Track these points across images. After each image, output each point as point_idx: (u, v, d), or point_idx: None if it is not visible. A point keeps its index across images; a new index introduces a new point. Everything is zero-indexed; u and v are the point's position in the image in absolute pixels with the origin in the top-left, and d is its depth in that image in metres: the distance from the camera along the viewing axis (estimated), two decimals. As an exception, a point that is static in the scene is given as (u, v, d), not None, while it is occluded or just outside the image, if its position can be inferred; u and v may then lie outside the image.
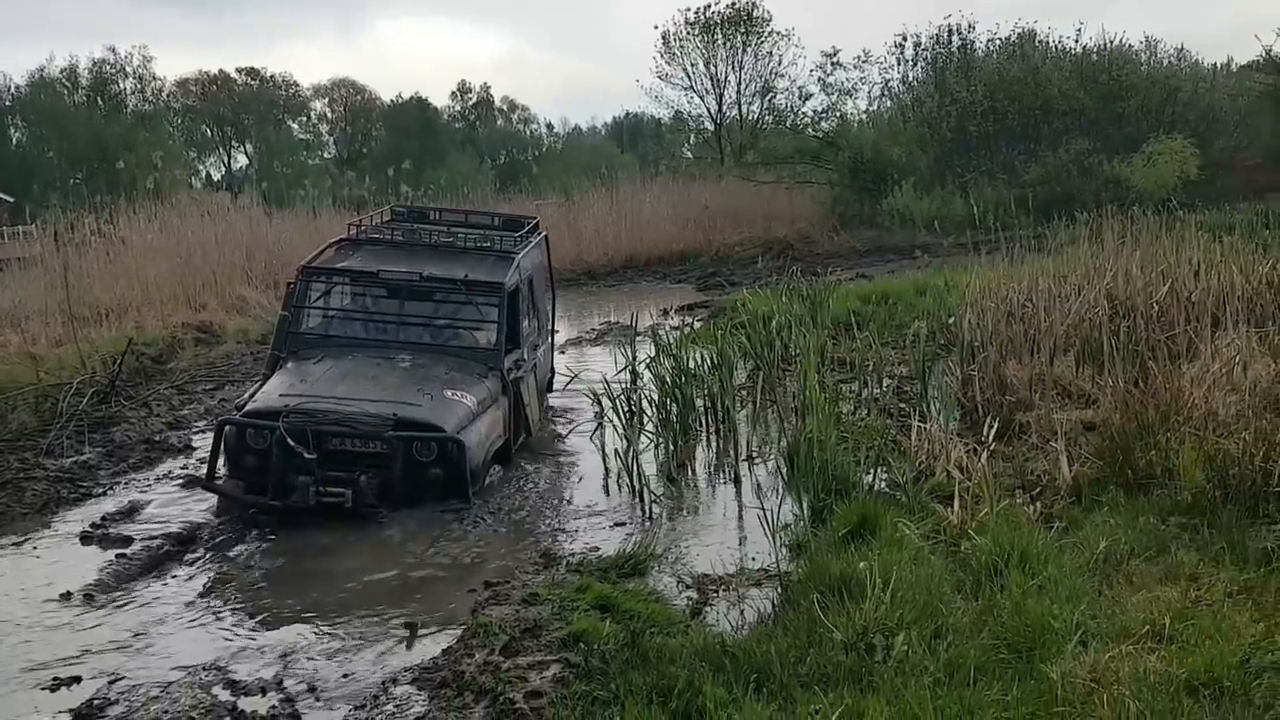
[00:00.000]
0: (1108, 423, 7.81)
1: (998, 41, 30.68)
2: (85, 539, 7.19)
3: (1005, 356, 9.56)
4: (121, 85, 68.33)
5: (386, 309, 8.76)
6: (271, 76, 74.95)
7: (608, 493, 8.09)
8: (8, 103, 65.65)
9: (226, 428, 7.50)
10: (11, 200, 51.39)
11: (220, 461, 7.54)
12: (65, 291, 14.08)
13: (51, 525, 7.60)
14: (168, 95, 71.22)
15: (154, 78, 69.54)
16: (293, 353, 8.31)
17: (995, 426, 8.03)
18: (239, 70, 73.86)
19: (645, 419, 9.45)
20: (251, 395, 8.12)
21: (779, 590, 5.81)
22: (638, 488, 7.85)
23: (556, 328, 11.74)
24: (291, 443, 7.07)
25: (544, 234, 10.77)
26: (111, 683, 5.04)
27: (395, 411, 7.37)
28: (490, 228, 10.35)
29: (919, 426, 8.20)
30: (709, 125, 41.39)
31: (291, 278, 8.89)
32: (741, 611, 5.62)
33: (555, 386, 11.03)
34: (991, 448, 7.62)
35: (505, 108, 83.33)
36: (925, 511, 6.60)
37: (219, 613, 5.92)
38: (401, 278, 8.61)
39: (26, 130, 65.19)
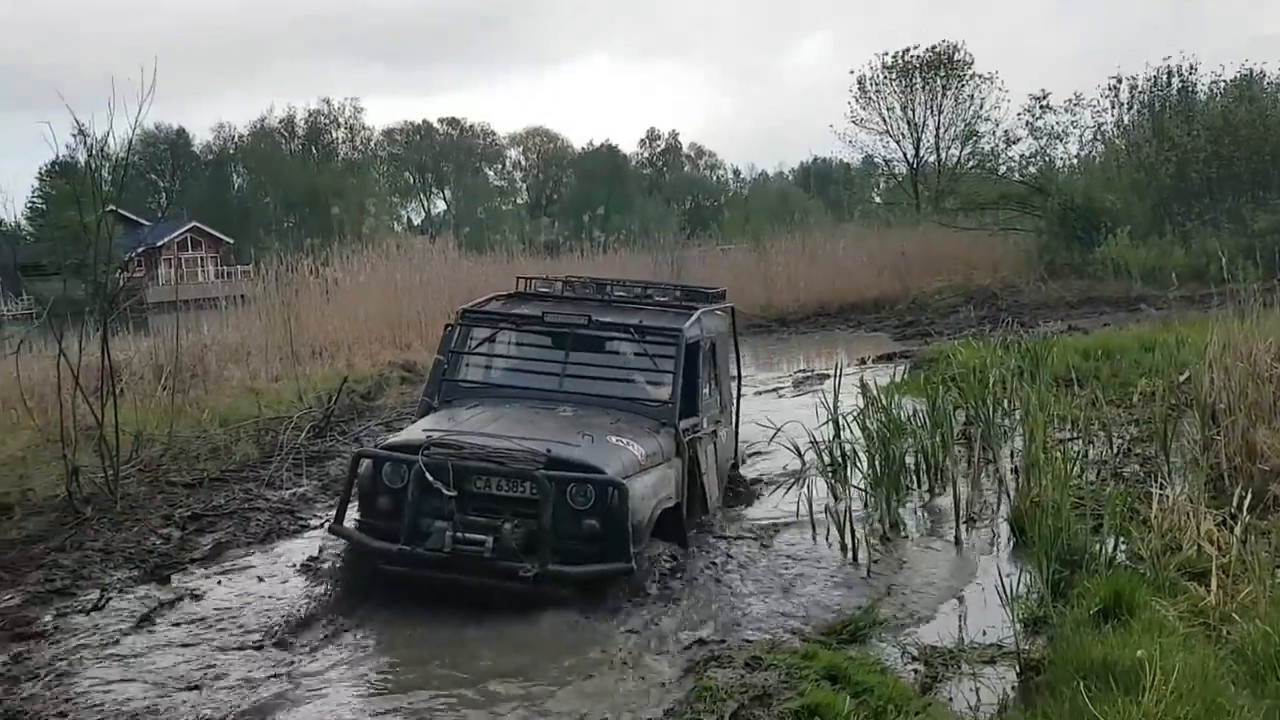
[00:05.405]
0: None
1: (1222, 84, 28.93)
2: (305, 571, 7.32)
3: (1254, 421, 8.76)
4: (334, 135, 72.64)
5: (551, 359, 7.96)
6: (471, 126, 78.32)
7: (815, 551, 7.74)
8: (231, 151, 70.67)
9: (362, 462, 6.77)
10: (232, 242, 55.22)
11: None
12: (285, 330, 14.76)
13: (273, 556, 7.80)
14: (375, 144, 75.16)
15: (363, 127, 73.68)
16: (446, 401, 7.66)
17: (1247, 498, 7.32)
18: (441, 120, 77.55)
19: (852, 473, 9.08)
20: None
21: (1017, 670, 5.38)
22: (850, 546, 7.51)
23: (745, 375, 10.76)
24: (430, 478, 6.27)
25: (730, 306, 9.82)
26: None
27: (549, 449, 6.46)
28: (671, 300, 9.29)
29: (1160, 494, 7.56)
30: (903, 170, 40.65)
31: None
32: (977, 692, 5.21)
33: (756, 438, 10.68)
34: (1246, 521, 6.93)
35: (693, 153, 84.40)
36: (1175, 589, 6.03)
37: (438, 656, 5.86)
38: (568, 321, 7.91)
39: (246, 177, 69.95)
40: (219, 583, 7.11)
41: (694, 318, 8.14)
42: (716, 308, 9.21)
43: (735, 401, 9.73)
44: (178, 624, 6.34)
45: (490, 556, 6.15)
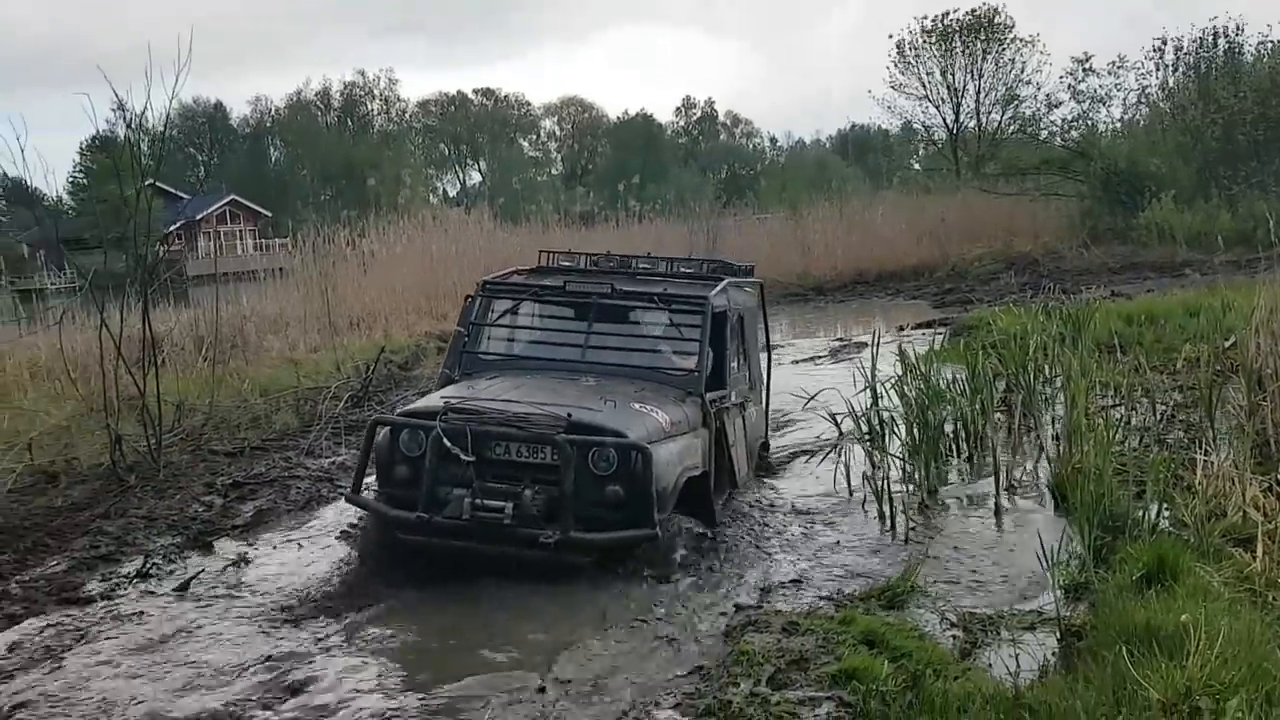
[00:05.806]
0: None
1: (1270, 45, 28.30)
2: (343, 538, 7.39)
3: (1301, 385, 8.59)
4: (369, 107, 72.80)
5: (573, 330, 7.79)
6: (505, 96, 78.13)
7: (853, 519, 7.71)
8: (268, 124, 71.00)
9: (379, 429, 6.63)
10: (270, 215, 55.64)
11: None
12: (323, 301, 14.89)
13: (313, 523, 7.88)
14: (410, 116, 75.20)
15: (398, 99, 73.71)
16: (466, 374, 7.51)
17: (1293, 463, 7.21)
18: (475, 91, 77.43)
19: (890, 441, 9.01)
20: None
21: (1058, 636, 5.33)
22: (888, 514, 7.47)
23: (779, 345, 10.71)
24: (448, 444, 6.14)
25: (759, 281, 9.54)
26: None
27: (570, 413, 6.29)
28: (698, 272, 9.05)
29: (1204, 460, 7.45)
30: (942, 135, 40.17)
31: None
32: (1017, 658, 5.16)
33: (791, 407, 10.64)
34: (1293, 487, 6.81)
35: (729, 122, 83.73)
36: (1220, 556, 5.95)
37: (471, 625, 5.87)
38: (591, 289, 7.70)
39: (283, 150, 70.28)
40: (260, 549, 7.21)
41: (720, 287, 7.96)
42: (745, 282, 8.99)
43: (765, 380, 9.53)
44: (220, 590, 6.42)
45: (510, 524, 6.01)
